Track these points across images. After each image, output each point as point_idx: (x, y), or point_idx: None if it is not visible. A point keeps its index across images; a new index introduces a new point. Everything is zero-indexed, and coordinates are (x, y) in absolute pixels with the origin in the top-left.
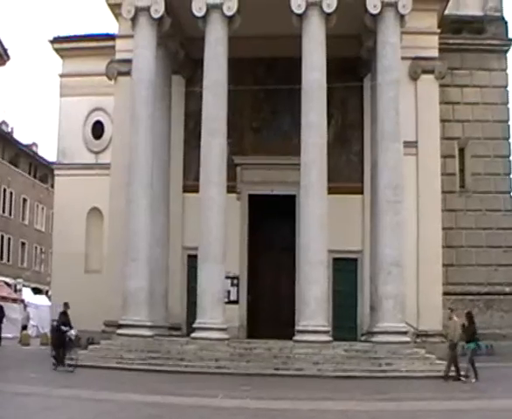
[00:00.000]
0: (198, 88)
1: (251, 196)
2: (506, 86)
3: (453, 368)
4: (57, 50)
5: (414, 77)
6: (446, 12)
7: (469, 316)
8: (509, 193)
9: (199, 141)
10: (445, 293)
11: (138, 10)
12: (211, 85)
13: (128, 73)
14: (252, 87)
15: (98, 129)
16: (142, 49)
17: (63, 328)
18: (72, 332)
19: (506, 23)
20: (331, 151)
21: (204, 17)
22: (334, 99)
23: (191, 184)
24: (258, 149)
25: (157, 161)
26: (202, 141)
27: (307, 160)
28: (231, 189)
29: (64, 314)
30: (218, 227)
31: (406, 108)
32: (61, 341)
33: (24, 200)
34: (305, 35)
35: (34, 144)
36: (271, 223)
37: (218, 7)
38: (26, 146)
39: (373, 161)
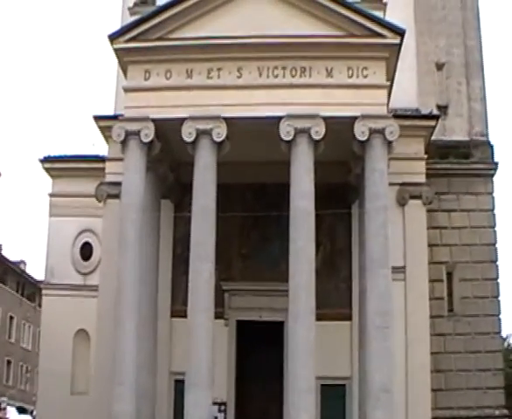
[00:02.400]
0: (187, 213)
1: (239, 322)
2: (493, 210)
3: None
4: (47, 169)
5: (402, 203)
6: (433, 138)
7: None
8: (498, 315)
9: (187, 266)
10: (434, 418)
11: (128, 134)
12: (200, 211)
13: (117, 196)
14: (241, 214)
15: (86, 250)
16: (132, 173)
17: None
18: None
19: (492, 147)
20: (319, 277)
21: (194, 143)
22: (322, 226)
23: (179, 309)
24: (246, 275)
25: (145, 285)
26: (190, 267)
27: (296, 286)
28: (218, 315)
29: None
30: (206, 353)
31: (394, 234)
32: None
33: (11, 317)
34: (293, 162)
35: (22, 262)
36: (259, 349)
37: (208, 133)
38: (14, 263)
39: (361, 288)
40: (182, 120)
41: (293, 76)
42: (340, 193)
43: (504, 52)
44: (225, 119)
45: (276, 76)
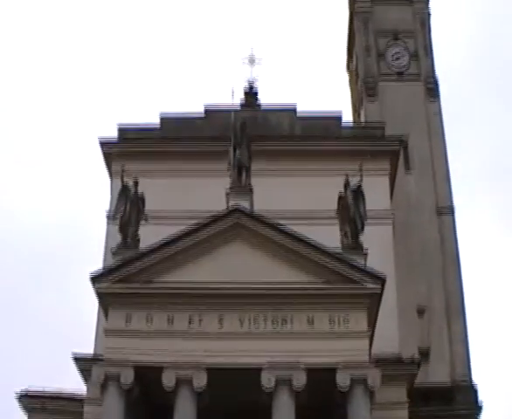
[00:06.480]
0: None
1: None
2: None
3: None
4: (24, 405)
5: None
6: (416, 382)
7: None
8: None
9: None
10: None
11: (108, 378)
12: None
13: None
14: None
15: None
16: (110, 417)
17: None
18: None
19: (475, 390)
20: None
21: (174, 390)
22: None
23: None
24: None
25: None
26: None
27: None
28: None
29: None
30: None
31: None
32: None
33: None
34: (275, 413)
35: None
36: None
37: (188, 381)
38: None
39: None
40: (162, 367)
41: (274, 326)
42: None
43: (485, 289)
44: (206, 367)
45: (257, 325)
